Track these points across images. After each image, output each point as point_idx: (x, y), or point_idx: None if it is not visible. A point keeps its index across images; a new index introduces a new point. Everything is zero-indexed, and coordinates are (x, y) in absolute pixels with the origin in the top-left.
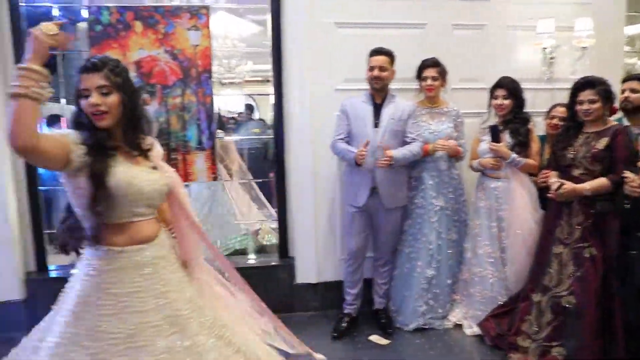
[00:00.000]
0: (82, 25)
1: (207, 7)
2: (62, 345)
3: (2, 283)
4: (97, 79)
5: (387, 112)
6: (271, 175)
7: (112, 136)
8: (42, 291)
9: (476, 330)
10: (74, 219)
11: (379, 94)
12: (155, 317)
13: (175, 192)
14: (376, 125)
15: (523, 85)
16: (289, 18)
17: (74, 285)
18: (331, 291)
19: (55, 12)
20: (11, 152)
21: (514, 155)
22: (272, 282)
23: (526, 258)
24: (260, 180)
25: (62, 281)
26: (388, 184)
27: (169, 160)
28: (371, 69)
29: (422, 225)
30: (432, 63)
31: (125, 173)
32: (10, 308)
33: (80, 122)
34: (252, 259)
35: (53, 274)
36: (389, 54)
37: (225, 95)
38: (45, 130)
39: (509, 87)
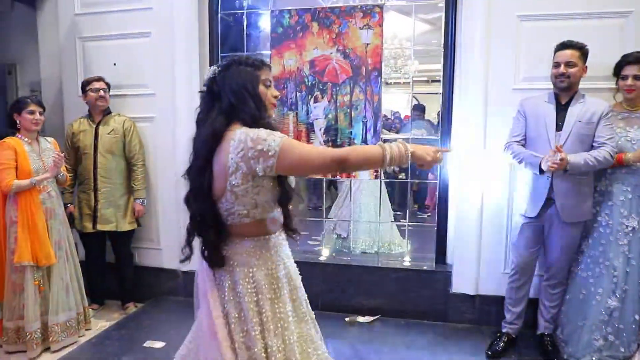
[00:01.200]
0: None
1: (380, 6)
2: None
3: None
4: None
5: (573, 112)
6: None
7: None
8: None
9: None
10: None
11: (564, 94)
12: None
13: None
14: (559, 127)
15: None
16: (466, 12)
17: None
18: (489, 305)
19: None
20: None
21: None
22: (426, 287)
23: None
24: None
25: None
26: (568, 195)
27: None
28: (557, 65)
29: (606, 247)
30: (635, 59)
31: None
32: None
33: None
34: (407, 261)
35: None
36: (579, 48)
37: (389, 94)
38: None
39: None
